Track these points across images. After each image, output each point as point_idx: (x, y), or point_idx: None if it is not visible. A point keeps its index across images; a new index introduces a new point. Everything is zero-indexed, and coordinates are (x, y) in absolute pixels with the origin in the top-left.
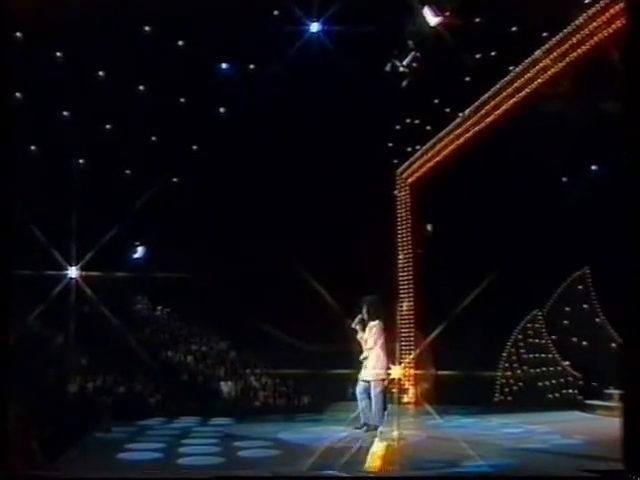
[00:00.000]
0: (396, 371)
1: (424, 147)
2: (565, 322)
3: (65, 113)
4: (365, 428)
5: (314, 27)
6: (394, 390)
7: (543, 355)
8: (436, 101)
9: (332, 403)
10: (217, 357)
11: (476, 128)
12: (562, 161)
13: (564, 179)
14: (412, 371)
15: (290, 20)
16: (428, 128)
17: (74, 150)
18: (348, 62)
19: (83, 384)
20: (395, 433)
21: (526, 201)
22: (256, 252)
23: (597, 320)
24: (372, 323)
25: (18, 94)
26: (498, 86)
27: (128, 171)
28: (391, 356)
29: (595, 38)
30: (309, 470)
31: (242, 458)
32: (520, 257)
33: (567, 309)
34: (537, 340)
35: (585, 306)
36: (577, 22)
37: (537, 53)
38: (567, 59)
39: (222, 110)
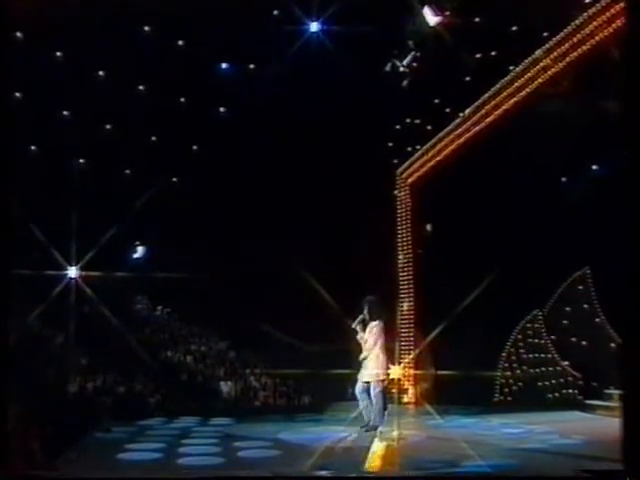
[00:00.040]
0: (396, 371)
1: (424, 147)
2: (565, 322)
3: (65, 113)
4: (365, 428)
5: (314, 27)
6: (394, 390)
7: (543, 355)
8: (436, 101)
9: (332, 403)
10: (217, 357)
11: (476, 128)
12: (562, 161)
13: (564, 179)
14: (412, 371)
15: (290, 20)
16: (428, 128)
17: (74, 150)
18: (348, 62)
19: (83, 384)
20: (395, 433)
21: (526, 201)
22: (256, 252)
23: (597, 320)
24: (373, 323)
25: (18, 94)
26: (498, 86)
27: (128, 171)
28: (391, 356)
29: (595, 38)
30: (309, 470)
31: (242, 458)
32: (520, 257)
33: (567, 309)
34: (537, 340)
35: (585, 306)
36: (577, 22)
37: (537, 53)
38: (567, 59)
39: (222, 110)
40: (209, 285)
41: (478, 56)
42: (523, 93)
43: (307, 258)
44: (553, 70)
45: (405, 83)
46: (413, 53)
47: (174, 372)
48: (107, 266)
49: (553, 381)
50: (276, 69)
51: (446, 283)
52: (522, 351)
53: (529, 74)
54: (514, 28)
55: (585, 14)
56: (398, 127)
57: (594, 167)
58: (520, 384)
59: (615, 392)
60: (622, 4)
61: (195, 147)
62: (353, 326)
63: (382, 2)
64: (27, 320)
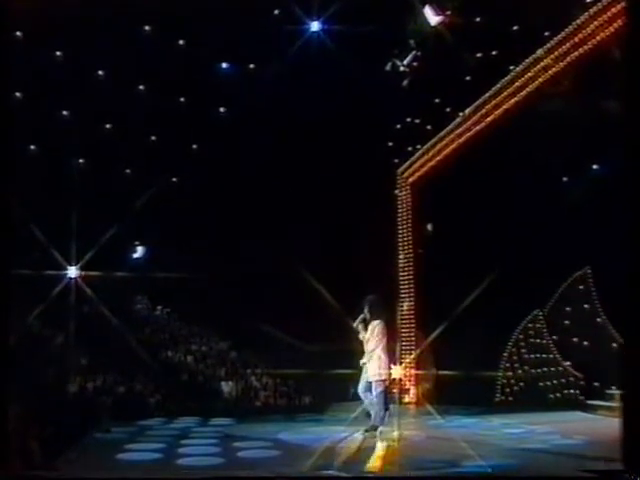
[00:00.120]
0: (397, 371)
1: (425, 146)
2: (566, 322)
3: (65, 113)
4: (365, 428)
5: (314, 26)
6: (395, 390)
7: (544, 355)
8: (437, 100)
9: (333, 403)
10: (217, 357)
11: (477, 127)
12: (563, 160)
13: (565, 179)
14: (413, 371)
15: (290, 19)
16: (429, 127)
17: (74, 150)
18: (349, 61)
19: (83, 384)
20: (395, 433)
21: (527, 201)
22: (256, 252)
23: (598, 320)
24: (374, 323)
25: (18, 94)
26: (499, 85)
27: (128, 171)
28: (392, 356)
29: (596, 37)
30: (309, 470)
31: (242, 458)
32: (521, 257)
33: (568, 309)
34: (538, 340)
35: (586, 306)
36: (578, 21)
37: (538, 52)
38: (568, 58)
39: (222, 110)
40: (209, 285)
41: (479, 56)
42: (524, 93)
43: (307, 258)
44: (554, 70)
45: (406, 82)
46: (414, 52)
47: (174, 372)
48: (107, 266)
49: (554, 381)
50: (276, 69)
51: (447, 283)
52: (523, 351)
53: (530, 74)
54: (515, 28)
55: (586, 14)
56: (399, 126)
57: (594, 167)
58: (521, 384)
59: (616, 392)
60: (623, 4)
61: (195, 147)
62: (354, 325)
63: (383, 1)
64: (27, 320)
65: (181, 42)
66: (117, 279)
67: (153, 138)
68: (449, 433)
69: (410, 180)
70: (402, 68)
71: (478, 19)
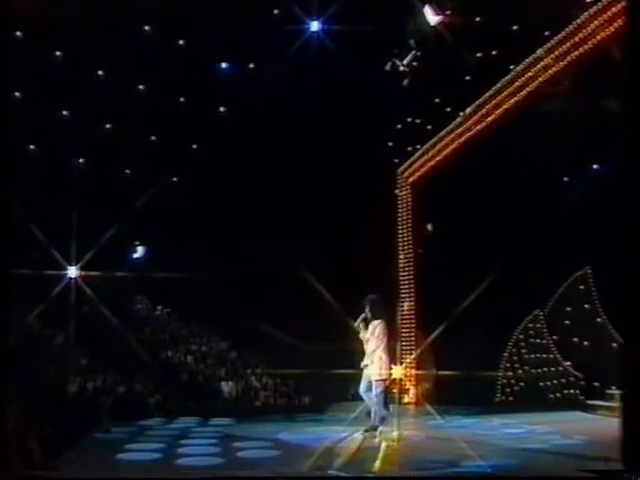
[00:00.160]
0: (397, 371)
1: (425, 146)
2: (566, 322)
3: (65, 113)
4: (365, 428)
5: (314, 26)
6: (395, 390)
7: (544, 355)
8: (437, 100)
9: (333, 403)
10: (217, 357)
11: (477, 127)
12: (563, 160)
13: (565, 178)
14: (413, 371)
15: (290, 19)
16: (429, 127)
17: (74, 150)
18: (348, 61)
19: (83, 384)
20: (395, 433)
21: (527, 200)
22: (256, 252)
23: (598, 320)
24: (375, 322)
25: (18, 94)
26: (499, 85)
27: (128, 171)
28: (392, 356)
29: (596, 37)
30: (309, 470)
31: (242, 459)
32: (521, 257)
33: (568, 309)
34: (538, 340)
35: (586, 306)
36: (578, 21)
37: (538, 52)
38: (568, 58)
39: (222, 110)
40: (209, 285)
41: (479, 55)
42: (524, 92)
43: (307, 258)
44: (554, 69)
45: (406, 82)
46: (414, 52)
47: (174, 372)
48: (107, 266)
49: (555, 381)
50: (276, 69)
51: (447, 283)
52: (524, 351)
53: (530, 73)
54: (515, 27)
55: (586, 13)
56: (399, 126)
57: (595, 167)
58: (521, 384)
59: (616, 392)
60: (623, 3)
61: (195, 147)
62: (355, 325)
63: (383, 1)
64: (27, 320)
65: (181, 42)
66: (117, 279)
67: (153, 138)
68: (449, 433)
69: (410, 180)
70: (402, 68)
71: (478, 19)
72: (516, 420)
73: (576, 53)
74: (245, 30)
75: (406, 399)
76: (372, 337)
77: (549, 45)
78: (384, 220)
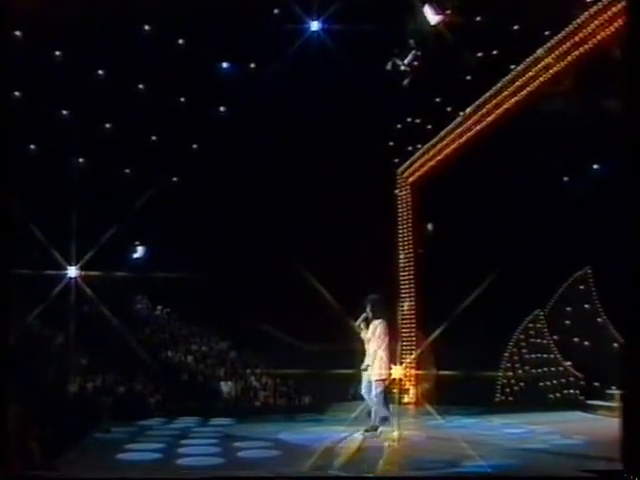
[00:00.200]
0: (397, 371)
1: (425, 146)
2: (567, 322)
3: (65, 112)
4: (365, 428)
5: (314, 26)
6: (395, 390)
7: (545, 355)
8: (437, 100)
9: (333, 403)
10: (217, 357)
11: (477, 127)
12: (563, 160)
13: (565, 178)
14: (413, 371)
15: (290, 19)
16: (429, 127)
17: (74, 149)
18: (349, 61)
19: (83, 384)
20: (395, 433)
21: (527, 200)
22: (256, 252)
23: (599, 320)
24: (376, 322)
25: (18, 93)
26: (499, 85)
27: (128, 171)
28: (392, 356)
29: (597, 37)
30: (309, 471)
31: (242, 459)
32: (521, 257)
33: (569, 309)
34: (539, 340)
35: (587, 306)
36: (579, 20)
37: (539, 51)
38: (569, 57)
39: (222, 109)
40: (209, 285)
41: (479, 55)
42: (524, 92)
43: (307, 258)
44: (555, 69)
45: (406, 82)
46: (414, 52)
47: (174, 372)
48: (107, 266)
49: (555, 381)
50: (276, 68)
51: (447, 283)
52: (524, 351)
53: (530, 73)
54: (515, 27)
55: (587, 13)
56: (399, 126)
57: (595, 166)
58: (522, 384)
59: (617, 392)
60: (623, 3)
61: (195, 146)
62: (356, 324)
63: (383, 1)
64: (27, 320)
65: (181, 42)
66: (117, 279)
67: (153, 138)
68: (449, 433)
69: (410, 180)
70: (402, 67)
71: (478, 18)
72: (516, 420)
73: (576, 53)
74: (245, 30)
75: (406, 399)
76: (373, 337)
77: (549, 45)
78: (384, 220)
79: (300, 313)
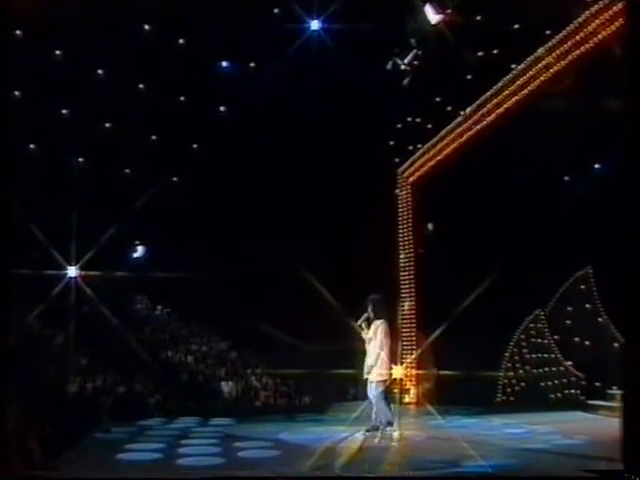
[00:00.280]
0: (398, 371)
1: (425, 146)
2: (568, 322)
3: (65, 112)
4: (366, 428)
5: (314, 25)
6: (396, 390)
7: (545, 355)
8: (438, 99)
9: (333, 403)
10: (217, 357)
11: (478, 126)
12: (564, 159)
13: (566, 178)
14: (414, 371)
15: (290, 18)
16: (429, 127)
17: (74, 149)
18: (349, 60)
19: (83, 384)
20: (396, 433)
21: (528, 200)
22: (256, 252)
23: (600, 320)
24: (377, 322)
25: (17, 93)
26: (500, 84)
27: (128, 171)
28: (393, 356)
29: (597, 36)
30: (310, 471)
31: (242, 459)
32: (522, 256)
33: (569, 309)
34: (539, 340)
35: (587, 306)
36: (580, 20)
37: (539, 51)
38: (569, 57)
39: (222, 109)
40: (209, 285)
41: (480, 54)
42: (525, 91)
43: (307, 258)
44: (555, 68)
45: (406, 81)
46: (414, 51)
47: (174, 372)
48: (107, 266)
49: (556, 381)
50: (276, 68)
51: (448, 283)
52: (525, 351)
53: (531, 72)
54: (516, 26)
55: (587, 12)
56: (399, 126)
57: (596, 166)
58: (523, 384)
59: (617, 392)
60: (624, 2)
61: (195, 146)
62: (358, 324)
63: (383, 0)
64: (27, 320)
65: (181, 41)
66: (117, 279)
67: (153, 138)
68: (450, 433)
69: (411, 179)
70: (403, 67)
71: (479, 17)
72: (517, 420)
73: (577, 52)
74: (245, 29)
75: (407, 399)
76: (374, 337)
77: (550, 44)
78: (384, 220)
79: (300, 313)
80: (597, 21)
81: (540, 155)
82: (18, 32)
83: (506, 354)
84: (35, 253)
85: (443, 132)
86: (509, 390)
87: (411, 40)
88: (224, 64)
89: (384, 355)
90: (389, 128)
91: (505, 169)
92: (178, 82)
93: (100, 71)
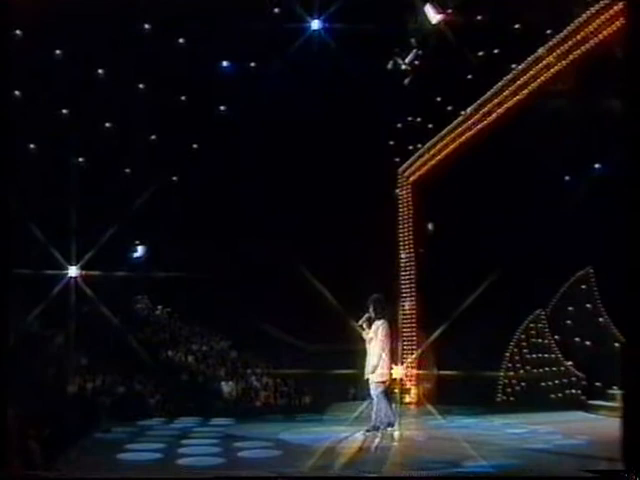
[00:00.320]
0: (398, 371)
1: (426, 145)
2: (568, 322)
3: (65, 111)
4: (366, 428)
5: (315, 24)
6: (396, 390)
7: (546, 355)
8: (438, 99)
9: (333, 403)
10: (218, 357)
11: (478, 126)
12: (565, 159)
13: (567, 178)
14: (414, 371)
15: (291, 17)
16: (430, 126)
17: (74, 149)
18: (350, 60)
19: (83, 384)
20: (397, 433)
21: (529, 200)
22: (256, 252)
23: (600, 320)
24: (378, 322)
25: (17, 92)
26: (500, 84)
27: (128, 170)
28: (393, 356)
29: (598, 36)
30: (310, 471)
31: (242, 458)
32: (523, 256)
33: (570, 309)
34: (540, 340)
35: (588, 306)
36: (580, 19)
37: (540, 51)
38: (570, 57)
39: (223, 108)
40: (209, 285)
41: (480, 54)
42: (525, 91)
43: (308, 257)
44: (556, 68)
45: (407, 81)
46: (415, 51)
47: (174, 372)
48: (107, 266)
49: (556, 381)
50: (277, 67)
51: (448, 282)
52: (525, 351)
53: (532, 72)
54: (516, 26)
55: (588, 12)
56: (400, 125)
57: (597, 166)
58: (523, 384)
59: (618, 392)
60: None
61: (195, 146)
62: (359, 324)
63: (384, 0)
64: (27, 320)
65: (181, 40)
66: (117, 279)
67: (153, 137)
68: (450, 433)
69: (411, 179)
70: (403, 66)
71: (479, 17)
72: (518, 420)
73: (578, 52)
74: (245, 29)
75: (407, 399)
76: (375, 337)
77: (550, 44)
78: (385, 219)
79: (300, 313)
80: (598, 21)
81: (541, 155)
82: (18, 31)
83: (506, 354)
84: (35, 253)
85: (444, 132)
86: (510, 390)
87: (412, 40)
88: (224, 64)
89: (385, 356)
90: (390, 128)
91: (506, 169)
92: (178, 82)
93: (100, 70)
